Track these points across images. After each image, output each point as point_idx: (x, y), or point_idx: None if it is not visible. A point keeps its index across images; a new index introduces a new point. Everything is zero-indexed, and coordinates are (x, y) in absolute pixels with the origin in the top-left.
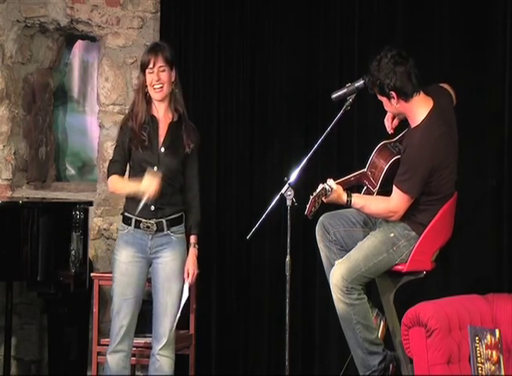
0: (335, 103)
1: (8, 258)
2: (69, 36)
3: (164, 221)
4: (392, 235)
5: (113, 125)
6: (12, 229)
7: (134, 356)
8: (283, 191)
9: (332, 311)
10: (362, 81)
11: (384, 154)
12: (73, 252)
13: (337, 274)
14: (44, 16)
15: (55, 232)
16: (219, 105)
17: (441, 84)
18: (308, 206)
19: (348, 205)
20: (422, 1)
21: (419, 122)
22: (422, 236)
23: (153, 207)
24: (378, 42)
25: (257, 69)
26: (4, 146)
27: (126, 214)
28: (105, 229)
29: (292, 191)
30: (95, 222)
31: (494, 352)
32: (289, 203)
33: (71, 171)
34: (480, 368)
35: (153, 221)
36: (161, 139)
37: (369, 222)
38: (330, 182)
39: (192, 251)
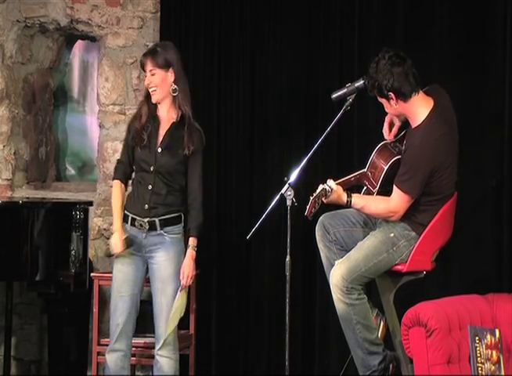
0: (335, 103)
1: (8, 258)
2: (69, 36)
3: (156, 220)
4: (392, 235)
5: (113, 125)
6: (12, 229)
7: (134, 356)
8: (283, 191)
9: (332, 311)
10: (362, 81)
11: (384, 154)
12: (73, 252)
13: (337, 274)
14: (44, 16)
15: (55, 232)
16: (219, 105)
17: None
18: (308, 207)
19: (348, 206)
20: (422, 2)
21: (419, 122)
22: (422, 236)
23: (146, 206)
24: (378, 42)
25: (257, 69)
26: (4, 146)
27: (125, 211)
28: (105, 229)
29: (292, 191)
30: (95, 222)
31: (494, 352)
32: (289, 203)
33: (71, 171)
34: (480, 368)
35: (146, 219)
36: (160, 138)
37: (369, 222)
38: (330, 182)
39: (189, 253)
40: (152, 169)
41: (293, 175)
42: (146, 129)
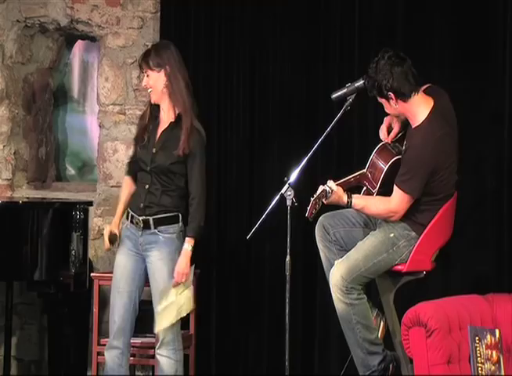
0: (335, 103)
1: (8, 258)
2: (69, 36)
3: (150, 219)
4: (392, 235)
5: (113, 125)
6: (12, 229)
7: (134, 356)
8: (283, 191)
9: (332, 311)
10: (362, 81)
11: (384, 155)
12: (73, 252)
13: (337, 274)
14: (44, 16)
15: (55, 232)
16: (219, 105)
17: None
18: (308, 208)
19: (349, 206)
20: (422, 2)
21: (419, 122)
22: (422, 236)
23: (141, 205)
24: (378, 42)
25: (257, 69)
26: (4, 146)
27: (128, 208)
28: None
29: (292, 191)
30: (95, 222)
31: (494, 352)
32: (289, 203)
33: (71, 171)
34: (480, 368)
35: (141, 218)
36: (157, 139)
37: (369, 223)
38: (330, 183)
39: (183, 251)
40: (148, 169)
41: (293, 175)
42: (148, 129)
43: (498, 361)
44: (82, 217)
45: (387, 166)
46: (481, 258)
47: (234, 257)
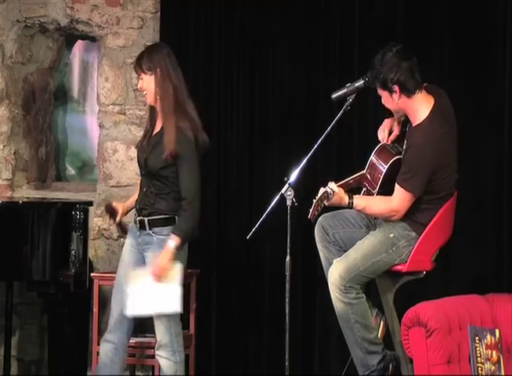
0: (335, 103)
1: (8, 258)
2: (69, 36)
3: (145, 220)
4: (392, 235)
5: (113, 125)
6: (12, 229)
7: (134, 356)
8: (283, 191)
9: (332, 311)
10: (362, 81)
11: (383, 155)
12: (73, 252)
13: (335, 273)
14: (44, 16)
15: (55, 232)
16: (219, 105)
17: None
18: (311, 210)
19: (350, 207)
20: (422, 2)
21: (420, 120)
22: (422, 236)
23: (138, 206)
24: (378, 42)
25: (257, 69)
26: (4, 146)
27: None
28: (105, 229)
29: (292, 191)
30: (95, 222)
31: (494, 352)
32: (289, 203)
33: (71, 171)
34: (480, 368)
35: (138, 218)
36: (148, 143)
37: (369, 223)
38: (332, 185)
39: (165, 248)
40: (143, 173)
41: (293, 175)
42: (146, 133)
43: (498, 361)
44: (82, 217)
45: (387, 166)
46: (481, 258)
47: (234, 257)
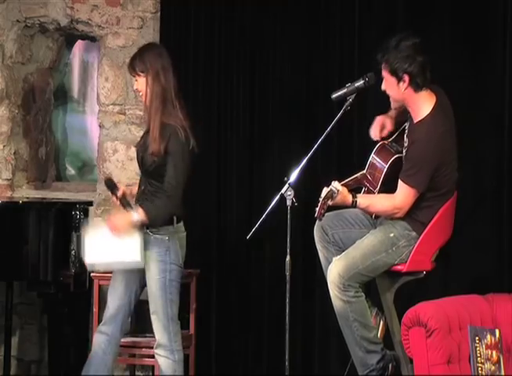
0: (335, 103)
1: (8, 258)
2: (69, 36)
3: None
4: (392, 235)
5: (113, 125)
6: (12, 229)
7: (134, 356)
8: (283, 191)
9: (332, 311)
10: (362, 81)
11: (383, 154)
12: (73, 252)
13: (334, 271)
14: (44, 16)
15: (55, 232)
16: (219, 105)
17: None
18: (317, 209)
19: (354, 206)
20: (422, 2)
21: (422, 117)
22: (422, 236)
23: (136, 204)
24: (378, 42)
25: (257, 69)
26: (4, 146)
27: None
28: None
29: (292, 191)
30: (95, 222)
31: (494, 352)
32: (289, 203)
33: (71, 171)
34: (480, 368)
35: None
36: (142, 143)
37: (368, 223)
38: (335, 184)
39: (126, 214)
40: (141, 171)
41: (293, 175)
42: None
43: (498, 361)
44: (82, 217)
45: (388, 165)
46: (481, 257)
47: (234, 257)
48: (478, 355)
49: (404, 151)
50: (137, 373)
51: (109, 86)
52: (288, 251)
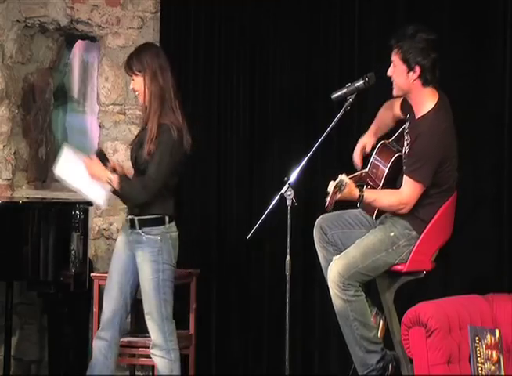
0: (335, 103)
1: (8, 258)
2: (69, 36)
3: (135, 219)
4: (392, 234)
5: (113, 125)
6: (12, 229)
7: (134, 356)
8: (283, 191)
9: (332, 311)
10: (362, 81)
11: (385, 153)
12: (73, 252)
13: (334, 270)
14: (44, 16)
15: (55, 232)
16: (219, 105)
17: None
18: (327, 200)
19: (360, 200)
20: (422, 2)
21: (425, 112)
22: (422, 235)
23: (129, 204)
24: (378, 42)
25: (257, 69)
26: (4, 146)
27: None
28: (105, 229)
29: (292, 191)
30: (95, 222)
31: (494, 352)
32: (289, 203)
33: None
34: (480, 368)
35: (128, 217)
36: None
37: (367, 223)
38: (343, 176)
39: (106, 169)
40: (135, 170)
41: (293, 175)
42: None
43: (498, 361)
44: (82, 217)
45: (390, 164)
46: (481, 258)
47: (234, 257)
48: (478, 355)
49: (404, 149)
50: (137, 373)
51: (109, 86)
52: (288, 251)
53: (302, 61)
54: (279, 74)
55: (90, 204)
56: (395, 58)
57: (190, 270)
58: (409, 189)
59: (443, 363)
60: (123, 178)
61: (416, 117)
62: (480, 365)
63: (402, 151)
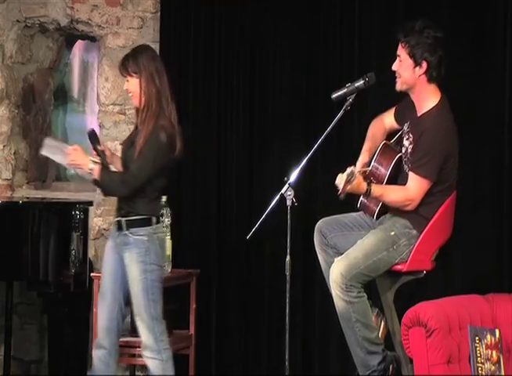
0: (335, 103)
1: (8, 258)
2: (69, 36)
3: (122, 220)
4: (393, 233)
5: (113, 125)
6: (12, 229)
7: (134, 356)
8: (283, 191)
9: (332, 311)
10: (362, 81)
11: (387, 153)
12: (73, 252)
13: (336, 271)
14: (44, 16)
15: (55, 232)
16: (219, 105)
17: None
18: (341, 186)
19: (368, 194)
20: (422, 3)
21: (428, 109)
22: (422, 234)
23: (117, 206)
24: (378, 42)
25: (257, 69)
26: (4, 146)
27: None
28: (105, 229)
29: (292, 191)
30: (95, 222)
31: (494, 352)
32: (289, 203)
33: (71, 171)
34: (480, 368)
35: (116, 219)
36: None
37: (367, 226)
38: (353, 168)
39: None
40: (123, 169)
41: (293, 175)
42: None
43: (498, 361)
44: (82, 217)
45: (393, 164)
46: (481, 258)
47: (234, 257)
48: (478, 355)
49: (405, 149)
50: (137, 373)
51: (109, 86)
52: (288, 251)
53: (302, 61)
54: (279, 74)
55: (90, 203)
56: (402, 52)
57: (190, 270)
58: (415, 186)
59: (443, 363)
60: (104, 169)
61: (419, 115)
62: (480, 365)
63: (402, 152)
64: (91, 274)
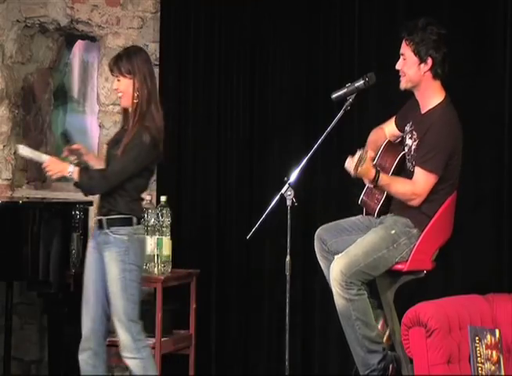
0: (335, 103)
1: (8, 258)
2: (69, 36)
3: (103, 219)
4: (393, 232)
5: (113, 125)
6: (12, 229)
7: None
8: (283, 191)
9: (332, 311)
10: (362, 81)
11: (391, 150)
12: (73, 252)
13: (337, 268)
14: (44, 16)
15: (55, 232)
16: (219, 105)
17: None
18: (354, 164)
19: (376, 180)
20: (422, 3)
21: (432, 106)
22: (423, 234)
23: (99, 204)
24: (378, 42)
25: (257, 69)
26: (4, 146)
27: None
28: None
29: (292, 191)
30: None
31: (494, 352)
32: (289, 203)
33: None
34: (480, 368)
35: (97, 218)
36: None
37: (366, 228)
38: (361, 151)
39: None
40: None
41: (293, 175)
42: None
43: (498, 361)
44: (82, 217)
45: (396, 161)
46: (481, 258)
47: (234, 257)
48: (478, 355)
49: (408, 147)
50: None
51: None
52: (288, 251)
53: (302, 61)
54: (279, 74)
55: (90, 204)
56: (406, 50)
57: (190, 270)
58: (422, 180)
59: (443, 363)
60: (83, 170)
61: (423, 112)
62: (480, 365)
63: (405, 150)
64: None
